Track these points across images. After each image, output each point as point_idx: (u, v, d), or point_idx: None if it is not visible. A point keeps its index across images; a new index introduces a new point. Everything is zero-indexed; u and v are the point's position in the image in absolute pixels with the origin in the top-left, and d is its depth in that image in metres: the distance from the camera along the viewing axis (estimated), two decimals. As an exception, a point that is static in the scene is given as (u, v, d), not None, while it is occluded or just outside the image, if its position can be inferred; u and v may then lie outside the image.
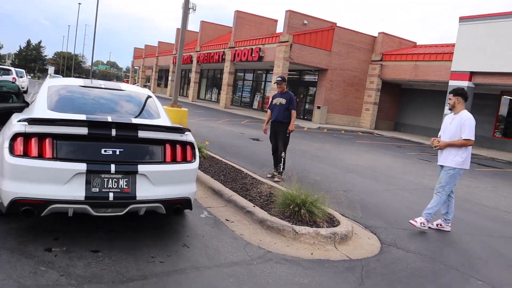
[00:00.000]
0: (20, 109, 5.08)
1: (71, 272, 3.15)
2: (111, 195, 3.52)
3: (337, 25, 25.79)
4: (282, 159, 7.44)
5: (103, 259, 3.42)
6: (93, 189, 3.48)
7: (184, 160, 4.02)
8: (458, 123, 5.24)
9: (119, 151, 3.63)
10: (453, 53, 19.71)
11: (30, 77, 55.00)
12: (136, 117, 4.37)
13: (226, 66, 30.78)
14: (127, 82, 61.72)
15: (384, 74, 25.62)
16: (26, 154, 3.39)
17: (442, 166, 5.43)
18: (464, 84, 18.24)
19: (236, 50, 29.44)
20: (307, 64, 24.53)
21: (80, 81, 4.91)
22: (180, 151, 4.00)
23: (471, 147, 5.27)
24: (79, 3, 69.85)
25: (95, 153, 3.56)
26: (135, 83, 55.72)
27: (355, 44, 25.90)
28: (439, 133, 5.62)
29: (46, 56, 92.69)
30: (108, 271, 3.24)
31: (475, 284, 3.87)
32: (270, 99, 7.90)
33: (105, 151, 3.58)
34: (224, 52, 31.46)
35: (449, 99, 5.44)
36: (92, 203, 3.49)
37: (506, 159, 16.63)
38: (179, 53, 11.75)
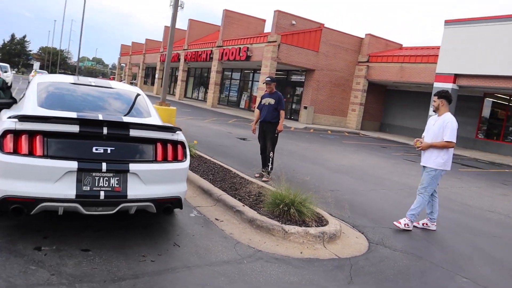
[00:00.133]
0: (7, 106, 5.02)
1: (62, 271, 3.13)
2: (102, 193, 3.51)
3: (325, 26, 25.97)
4: (270, 159, 7.48)
5: (94, 258, 3.41)
6: (84, 188, 3.47)
7: (175, 159, 4.03)
8: (440, 125, 5.35)
9: (111, 149, 3.62)
10: (438, 55, 20.04)
11: (14, 72, 53.94)
12: (127, 115, 4.36)
13: (213, 65, 30.71)
14: (113, 79, 61.02)
15: (370, 75, 25.90)
16: (16, 151, 3.36)
17: (424, 167, 5.53)
18: (449, 86, 18.58)
19: (224, 49, 29.40)
20: (294, 64, 24.65)
21: (70, 78, 4.87)
22: (171, 150, 4.01)
23: (452, 149, 5.37)
24: (65, -2, 68.72)
25: (86, 152, 3.54)
26: (121, 80, 55.17)
27: (342, 45, 26.12)
28: (423, 134, 5.72)
29: (30, 51, 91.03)
30: (99, 270, 3.23)
31: (460, 282, 3.97)
32: (260, 99, 7.93)
33: (96, 149, 3.57)
34: (212, 51, 31.38)
35: (434, 101, 5.54)
36: (83, 201, 3.47)
37: (488, 160, 16.99)
38: (168, 52, 11.71)
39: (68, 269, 3.17)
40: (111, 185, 3.57)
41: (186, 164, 4.10)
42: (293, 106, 27.50)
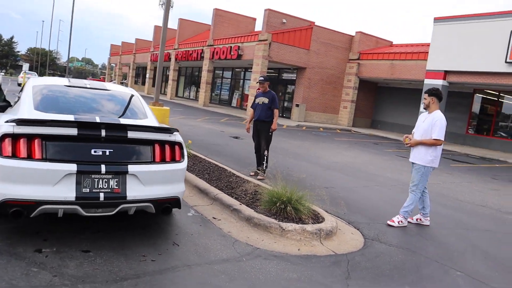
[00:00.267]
0: (1, 109, 5.01)
1: (64, 272, 3.16)
2: (101, 195, 3.54)
3: (315, 24, 26.06)
4: (265, 157, 7.54)
5: (95, 259, 3.44)
6: (84, 190, 3.49)
7: (173, 160, 4.07)
8: (430, 123, 5.42)
9: (109, 151, 3.65)
10: (428, 52, 20.24)
11: (3, 73, 53.14)
12: (124, 117, 4.38)
13: (204, 64, 30.67)
14: (103, 79, 60.62)
15: (361, 72, 26.07)
16: (14, 155, 3.37)
17: (413, 164, 5.62)
18: (439, 82, 18.77)
19: (215, 48, 29.37)
20: (286, 63, 24.72)
21: (65, 81, 4.87)
22: (169, 151, 4.04)
23: (441, 146, 5.46)
24: (53, -2, 67.95)
25: (85, 154, 3.57)
26: (112, 81, 54.84)
27: (333, 43, 26.25)
28: (413, 130, 5.80)
29: (18, 52, 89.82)
30: (100, 270, 3.26)
31: (454, 275, 4.07)
32: (253, 98, 7.98)
33: (95, 151, 3.59)
34: (202, 50, 31.34)
35: (424, 98, 5.62)
36: (83, 203, 3.50)
37: (479, 155, 17.22)
38: (160, 52, 11.69)
39: (70, 270, 3.20)
40: (110, 187, 3.60)
41: (184, 164, 4.14)
42: (285, 104, 27.58)
